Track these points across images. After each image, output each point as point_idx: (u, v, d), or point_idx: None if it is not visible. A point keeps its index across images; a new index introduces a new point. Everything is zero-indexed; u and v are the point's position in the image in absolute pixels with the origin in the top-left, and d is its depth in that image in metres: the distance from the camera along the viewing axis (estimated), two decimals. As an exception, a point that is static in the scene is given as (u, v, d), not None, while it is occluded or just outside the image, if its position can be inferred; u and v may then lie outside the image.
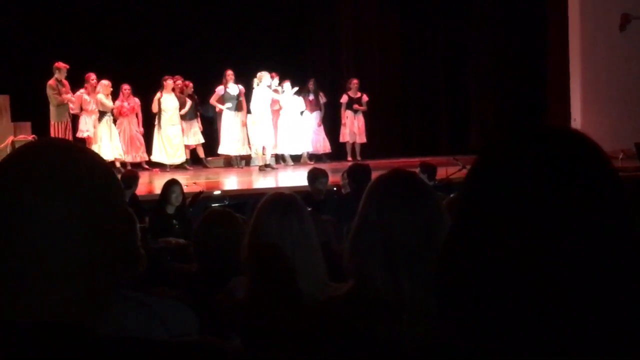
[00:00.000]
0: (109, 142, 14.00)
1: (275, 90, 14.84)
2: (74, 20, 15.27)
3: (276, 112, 14.96)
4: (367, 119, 15.84)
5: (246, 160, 15.20)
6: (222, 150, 15.02)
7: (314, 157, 15.58)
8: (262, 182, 12.90)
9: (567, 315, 0.92)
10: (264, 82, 14.07)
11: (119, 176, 8.99)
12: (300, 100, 15.33)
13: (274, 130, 14.96)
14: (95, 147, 13.79)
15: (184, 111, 14.59)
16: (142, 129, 14.61)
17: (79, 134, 13.84)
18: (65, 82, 13.52)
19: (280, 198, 2.75)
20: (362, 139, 15.81)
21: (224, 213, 3.92)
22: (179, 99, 14.55)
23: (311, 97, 15.48)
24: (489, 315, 0.96)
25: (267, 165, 14.27)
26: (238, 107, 14.65)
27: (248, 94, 14.50)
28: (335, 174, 10.04)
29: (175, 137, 14.56)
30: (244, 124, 14.73)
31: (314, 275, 2.61)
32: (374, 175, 2.48)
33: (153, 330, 2.28)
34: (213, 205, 8.88)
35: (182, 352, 1.12)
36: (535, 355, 0.93)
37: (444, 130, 17.44)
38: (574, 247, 0.93)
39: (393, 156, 15.61)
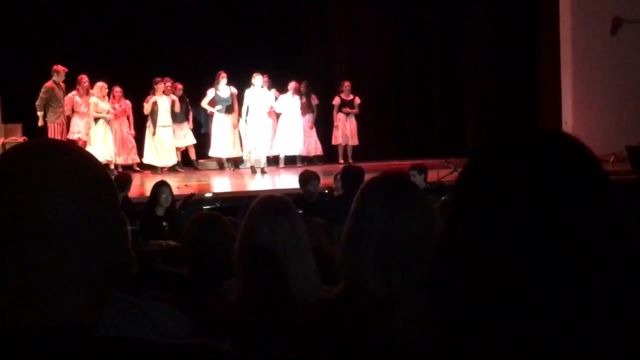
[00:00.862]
0: (103, 144, 13.98)
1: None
2: (64, 22, 15.23)
3: (271, 115, 14.94)
4: (359, 121, 15.86)
5: (235, 162, 15.15)
6: (213, 152, 15.02)
7: (305, 159, 15.58)
8: (254, 184, 12.89)
9: (559, 316, 0.93)
10: (257, 84, 14.00)
11: (112, 178, 8.98)
12: (297, 101, 15.32)
13: (272, 133, 15.00)
14: (88, 149, 13.80)
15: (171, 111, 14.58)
16: (133, 131, 14.59)
17: (70, 136, 13.80)
18: (62, 85, 13.52)
19: (272, 201, 2.75)
20: (354, 141, 15.82)
21: (212, 216, 3.92)
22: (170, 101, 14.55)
23: (303, 99, 15.48)
24: (482, 316, 0.96)
25: (262, 171, 14.07)
26: (229, 110, 14.63)
27: (240, 96, 14.48)
28: (326, 177, 10.04)
29: (166, 139, 14.54)
30: (235, 126, 14.73)
31: (305, 277, 2.61)
32: (367, 177, 2.48)
33: (145, 333, 2.27)
34: (204, 207, 8.88)
35: (181, 353, 1.12)
36: (528, 356, 0.94)
37: (437, 132, 17.47)
38: (565, 249, 0.93)
39: (385, 159, 15.63)
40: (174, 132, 14.64)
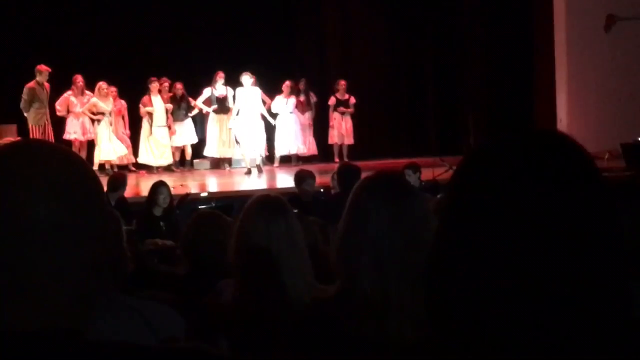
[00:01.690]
0: (109, 143, 13.99)
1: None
2: (59, 22, 15.18)
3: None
4: (355, 121, 15.87)
5: (228, 162, 15.11)
6: (207, 152, 15.00)
7: (301, 158, 15.57)
8: (249, 184, 12.88)
9: (554, 314, 0.93)
10: (245, 83, 13.91)
11: (107, 178, 8.97)
12: (292, 101, 15.31)
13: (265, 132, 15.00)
14: (97, 149, 13.84)
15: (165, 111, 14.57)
16: (128, 131, 14.57)
17: (66, 136, 13.79)
18: (47, 85, 13.45)
19: (267, 200, 2.75)
20: (349, 140, 15.83)
21: (213, 215, 3.92)
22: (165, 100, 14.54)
23: (302, 97, 15.47)
24: (477, 315, 0.96)
25: (258, 168, 13.99)
26: (224, 109, 14.62)
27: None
28: (322, 176, 10.04)
29: (162, 139, 14.52)
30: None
31: (300, 277, 2.61)
32: (362, 176, 2.48)
33: (140, 333, 2.27)
34: (199, 207, 8.87)
35: (173, 359, 1.11)
36: (523, 355, 0.94)
37: (431, 131, 17.46)
38: (560, 248, 0.93)
39: (381, 157, 15.62)
40: (170, 129, 14.59)
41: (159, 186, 7.91)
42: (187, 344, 1.27)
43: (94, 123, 14.03)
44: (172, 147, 14.81)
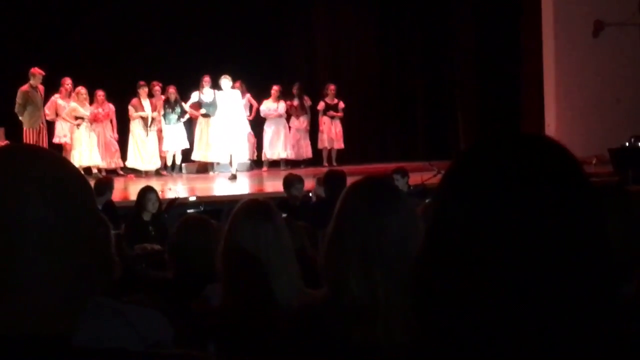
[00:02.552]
0: (87, 148, 13.94)
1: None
2: (46, 25, 15.15)
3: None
4: (344, 125, 15.88)
5: (211, 166, 14.99)
6: (195, 156, 14.97)
7: (289, 162, 15.56)
8: (238, 188, 12.87)
9: (541, 317, 0.93)
10: (224, 86, 13.72)
11: (94, 182, 8.94)
12: (282, 105, 15.31)
13: (251, 137, 14.94)
14: (74, 153, 13.78)
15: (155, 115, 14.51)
16: (116, 135, 14.53)
17: (56, 140, 13.75)
18: (40, 88, 13.42)
19: (255, 204, 2.74)
20: (339, 144, 15.85)
21: (199, 219, 3.90)
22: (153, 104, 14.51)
23: (296, 101, 15.47)
24: (466, 319, 0.96)
25: (232, 176, 13.73)
26: (212, 113, 14.58)
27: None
28: (310, 180, 10.04)
29: (150, 143, 14.49)
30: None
31: (289, 281, 2.61)
32: (350, 181, 2.48)
33: (127, 338, 2.26)
34: (188, 211, 8.85)
35: None
36: (511, 357, 0.94)
37: (420, 135, 17.50)
38: (548, 251, 0.93)
39: (370, 162, 15.64)
40: (158, 136, 14.57)
41: (147, 192, 7.90)
42: (175, 349, 1.27)
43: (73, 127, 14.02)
44: (161, 151, 14.77)
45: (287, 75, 16.22)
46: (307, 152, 15.81)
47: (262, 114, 15.31)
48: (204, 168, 15.14)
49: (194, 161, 15.18)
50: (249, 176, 14.70)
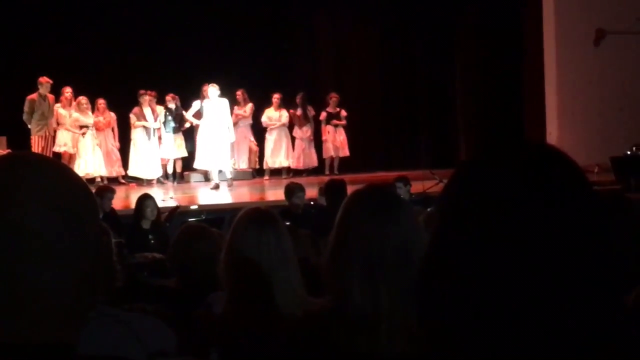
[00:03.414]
0: (92, 157, 13.98)
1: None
2: (49, 33, 15.19)
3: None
4: (346, 133, 15.89)
5: (205, 175, 14.94)
6: (198, 164, 14.96)
7: (291, 171, 15.56)
8: (239, 196, 12.87)
9: (545, 327, 0.92)
10: (211, 95, 13.60)
11: (94, 190, 8.91)
12: (285, 113, 15.32)
13: (253, 145, 14.94)
14: (80, 162, 13.81)
15: (157, 124, 14.51)
16: (118, 144, 14.54)
17: (56, 148, 13.77)
18: (50, 97, 13.48)
19: (257, 213, 2.74)
20: (344, 152, 15.86)
21: (199, 228, 3.92)
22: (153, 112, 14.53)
23: (299, 111, 15.48)
24: (470, 328, 0.96)
25: (215, 185, 13.63)
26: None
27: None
28: (313, 188, 10.05)
29: (151, 151, 14.49)
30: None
31: (291, 290, 2.60)
32: (351, 189, 2.48)
33: (130, 347, 2.26)
34: (189, 220, 8.85)
35: None
36: None
37: (423, 144, 17.50)
38: (552, 260, 0.93)
39: (371, 170, 15.64)
40: (159, 144, 14.59)
41: (144, 199, 7.91)
42: (178, 358, 1.27)
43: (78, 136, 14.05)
44: (162, 159, 14.78)
45: (289, 84, 16.23)
46: (313, 161, 15.82)
47: (263, 124, 15.31)
48: (206, 176, 15.12)
49: (195, 169, 15.17)
50: (251, 185, 14.70)
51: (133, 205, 9.04)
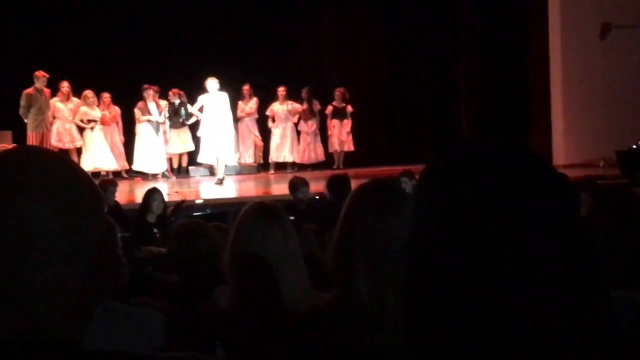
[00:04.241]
0: (101, 152, 14.00)
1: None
2: (53, 28, 15.19)
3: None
4: (352, 127, 15.88)
5: (210, 169, 14.93)
6: (202, 158, 14.95)
7: (296, 165, 15.57)
8: (245, 191, 12.87)
9: (528, 325, 0.92)
10: (211, 88, 13.43)
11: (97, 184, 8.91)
12: (288, 107, 15.32)
13: (258, 140, 14.93)
14: (87, 156, 13.84)
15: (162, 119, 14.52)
16: (123, 137, 14.55)
17: (54, 143, 13.74)
18: (46, 91, 13.44)
19: (262, 207, 2.74)
20: (349, 146, 15.85)
21: (196, 224, 3.95)
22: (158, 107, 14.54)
23: (305, 105, 15.47)
24: (451, 327, 0.95)
25: (219, 180, 13.45)
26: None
27: (232, 103, 14.45)
28: (318, 183, 10.04)
29: (156, 146, 14.50)
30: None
31: (297, 284, 2.60)
32: (356, 184, 2.48)
33: (135, 341, 2.27)
34: (194, 214, 8.86)
35: None
36: None
37: (427, 138, 17.48)
38: (529, 256, 0.92)
39: (376, 164, 15.63)
40: (165, 135, 14.59)
41: (152, 193, 7.92)
42: (183, 352, 1.26)
43: (83, 131, 14.04)
44: (167, 154, 14.79)
45: (295, 79, 16.22)
46: (319, 155, 15.81)
47: (267, 113, 15.29)
48: (211, 170, 15.13)
49: (200, 164, 15.17)
50: (256, 179, 14.70)
51: (138, 200, 9.06)
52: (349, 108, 15.72)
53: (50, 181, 1.08)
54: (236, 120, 14.99)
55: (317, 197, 9.03)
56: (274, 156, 15.42)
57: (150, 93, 14.35)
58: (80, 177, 1.13)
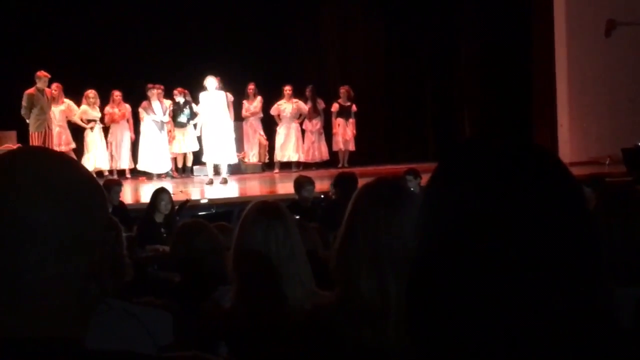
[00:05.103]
0: (102, 152, 14.02)
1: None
2: (59, 28, 15.22)
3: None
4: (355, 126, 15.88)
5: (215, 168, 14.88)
6: (206, 158, 14.94)
7: (301, 164, 15.57)
8: (249, 190, 12.88)
9: (530, 322, 0.91)
10: (209, 87, 13.29)
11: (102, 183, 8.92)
12: (300, 104, 15.32)
13: (263, 139, 14.93)
14: (89, 156, 13.86)
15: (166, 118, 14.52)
16: (133, 135, 14.55)
17: (55, 147, 13.75)
18: (48, 91, 13.43)
19: (265, 206, 2.74)
20: (352, 146, 15.84)
21: (197, 224, 3.97)
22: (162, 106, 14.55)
23: (309, 104, 15.46)
24: (455, 324, 0.94)
25: (223, 180, 13.42)
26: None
27: (237, 102, 14.45)
28: (323, 181, 10.05)
29: (161, 145, 14.51)
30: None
31: (300, 283, 2.60)
32: (361, 182, 2.48)
33: (139, 340, 2.27)
34: (199, 214, 8.87)
35: None
36: None
37: (431, 136, 17.48)
38: (534, 253, 0.92)
39: (380, 163, 15.62)
40: (169, 135, 14.60)
41: (160, 192, 7.93)
42: (187, 352, 1.26)
43: (84, 131, 14.06)
44: (172, 153, 14.80)
45: (296, 77, 16.21)
46: (323, 154, 15.79)
47: (271, 112, 15.28)
48: (216, 170, 15.14)
49: (205, 163, 15.17)
50: (261, 178, 14.71)
51: (142, 199, 9.07)
52: (354, 107, 15.71)
53: (52, 180, 1.08)
54: (241, 119, 14.99)
55: (322, 196, 9.03)
56: (279, 155, 15.42)
57: (154, 92, 14.35)
58: (83, 176, 1.13)
